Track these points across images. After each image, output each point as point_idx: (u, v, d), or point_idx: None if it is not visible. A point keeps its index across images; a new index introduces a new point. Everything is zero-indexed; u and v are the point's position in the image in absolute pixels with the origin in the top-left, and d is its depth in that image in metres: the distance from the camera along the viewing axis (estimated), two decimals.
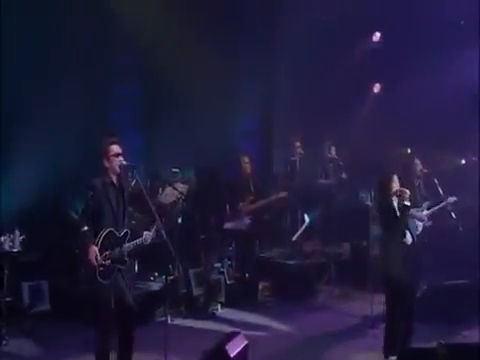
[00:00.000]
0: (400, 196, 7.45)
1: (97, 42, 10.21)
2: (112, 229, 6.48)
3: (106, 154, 6.55)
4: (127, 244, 6.57)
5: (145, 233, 6.61)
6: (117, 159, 6.53)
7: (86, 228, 6.35)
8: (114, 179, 6.60)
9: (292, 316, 9.53)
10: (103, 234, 6.41)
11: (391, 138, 12.82)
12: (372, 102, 14.26)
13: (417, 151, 11.76)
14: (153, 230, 6.60)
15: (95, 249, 6.33)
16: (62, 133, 9.55)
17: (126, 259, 6.59)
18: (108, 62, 10.74)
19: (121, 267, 6.55)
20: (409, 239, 7.56)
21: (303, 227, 10.72)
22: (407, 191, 7.47)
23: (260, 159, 12.84)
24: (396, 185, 7.55)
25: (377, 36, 14.15)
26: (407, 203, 7.43)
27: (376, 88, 14.50)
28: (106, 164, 6.55)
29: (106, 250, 6.42)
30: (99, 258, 6.33)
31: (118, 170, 6.57)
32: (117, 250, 6.51)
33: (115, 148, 6.57)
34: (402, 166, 10.52)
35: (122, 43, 10.96)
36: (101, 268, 6.36)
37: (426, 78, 12.42)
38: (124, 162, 6.57)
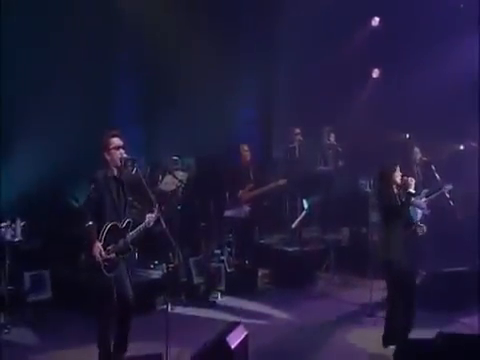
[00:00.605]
0: (404, 185, 7.46)
1: (98, 38, 10.21)
2: (115, 222, 6.50)
3: (107, 147, 6.54)
4: (130, 233, 6.60)
5: (148, 216, 6.66)
6: (118, 152, 6.52)
7: (91, 223, 6.37)
8: (115, 171, 6.60)
9: (291, 304, 9.56)
10: (106, 229, 6.43)
11: (390, 124, 12.79)
12: (371, 87, 14.18)
13: (416, 137, 11.74)
14: (155, 211, 6.62)
15: (99, 245, 6.36)
16: (62, 124, 9.52)
17: (131, 247, 6.64)
18: (110, 56, 10.72)
19: (125, 256, 6.60)
20: (416, 228, 7.60)
21: (302, 214, 10.69)
22: (412, 179, 7.47)
23: (259, 147, 12.80)
24: (398, 175, 7.53)
25: (376, 21, 14.03)
26: (412, 191, 7.44)
27: (375, 73, 14.36)
28: (107, 157, 6.54)
29: (109, 244, 6.45)
30: (103, 253, 6.37)
31: (119, 163, 6.57)
32: (121, 241, 6.54)
33: (116, 141, 6.56)
34: (401, 153, 10.50)
35: (123, 38, 10.95)
36: (106, 263, 6.40)
37: (425, 63, 12.37)
38: (125, 155, 6.58)
